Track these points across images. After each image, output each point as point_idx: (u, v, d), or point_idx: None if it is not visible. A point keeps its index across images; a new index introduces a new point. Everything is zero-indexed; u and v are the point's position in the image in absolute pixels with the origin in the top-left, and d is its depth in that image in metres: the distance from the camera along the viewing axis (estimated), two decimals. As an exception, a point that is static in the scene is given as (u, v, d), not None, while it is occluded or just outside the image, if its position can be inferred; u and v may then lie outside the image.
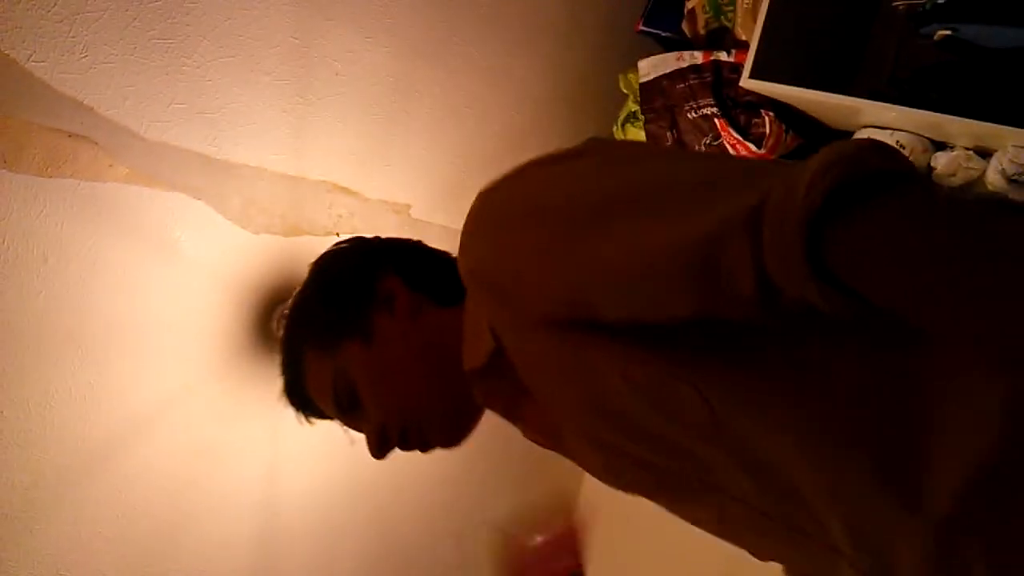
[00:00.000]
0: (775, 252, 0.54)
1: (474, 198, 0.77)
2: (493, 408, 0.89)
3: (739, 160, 0.70)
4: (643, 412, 0.69)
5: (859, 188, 0.52)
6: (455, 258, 0.87)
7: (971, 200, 0.58)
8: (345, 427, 0.97)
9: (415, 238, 1.01)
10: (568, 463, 0.87)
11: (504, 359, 0.79)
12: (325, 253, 0.99)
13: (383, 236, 1.02)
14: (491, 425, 0.92)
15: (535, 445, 0.89)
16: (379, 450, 0.91)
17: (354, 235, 1.02)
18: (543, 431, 0.86)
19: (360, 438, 0.93)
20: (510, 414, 0.88)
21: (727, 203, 0.57)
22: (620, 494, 0.83)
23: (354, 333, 0.89)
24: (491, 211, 0.76)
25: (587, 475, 0.89)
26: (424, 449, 0.93)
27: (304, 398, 0.96)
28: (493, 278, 0.76)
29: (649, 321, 0.65)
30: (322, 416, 0.98)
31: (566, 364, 0.73)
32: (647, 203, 0.65)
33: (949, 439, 0.57)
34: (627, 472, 0.79)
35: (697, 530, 0.80)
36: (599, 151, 0.75)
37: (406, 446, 0.92)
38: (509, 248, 0.73)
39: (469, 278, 0.79)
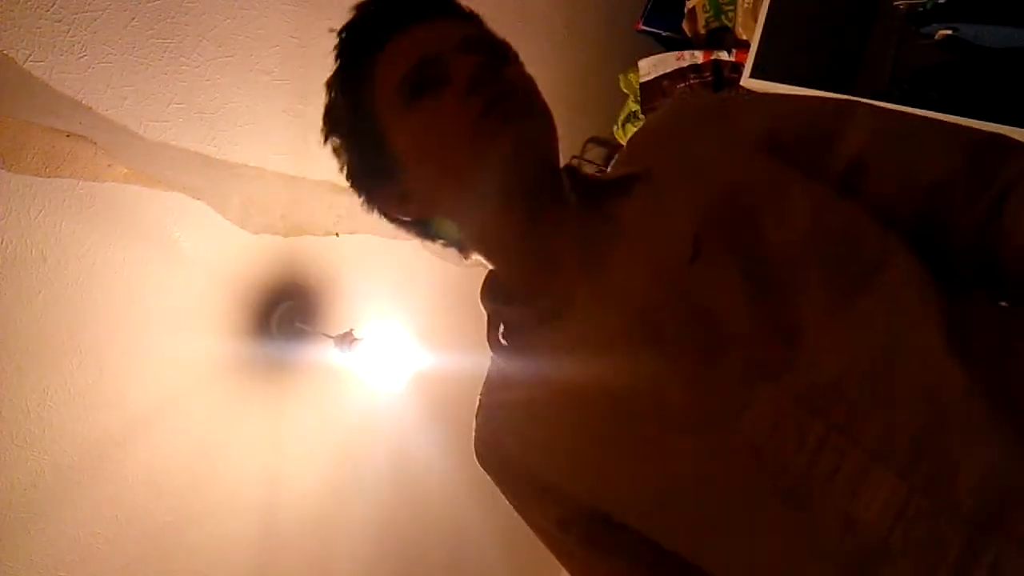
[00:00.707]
0: None
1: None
2: (567, 218, 0.79)
3: None
4: (802, 246, 0.69)
5: None
6: None
7: None
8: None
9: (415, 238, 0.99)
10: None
11: (631, 188, 0.77)
12: None
13: None
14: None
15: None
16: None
17: None
18: (578, 273, 0.78)
19: None
20: (577, 224, 0.79)
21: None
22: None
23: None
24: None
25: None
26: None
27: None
28: (755, 100, 0.84)
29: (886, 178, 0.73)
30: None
31: (754, 183, 0.73)
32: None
33: None
34: (672, 327, 0.71)
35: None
36: None
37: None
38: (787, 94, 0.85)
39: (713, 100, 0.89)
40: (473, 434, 0.87)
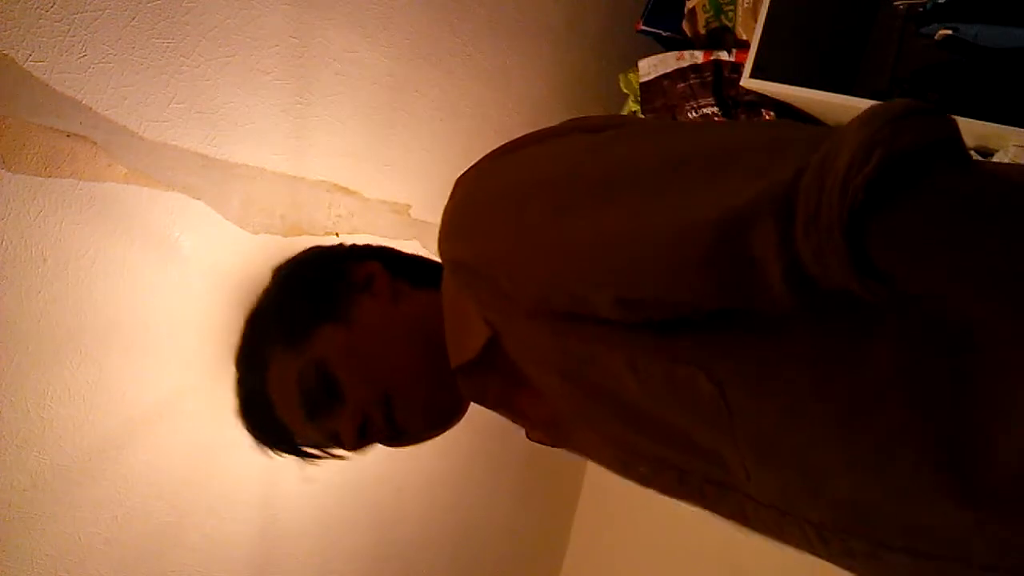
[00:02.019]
0: (811, 241, 0.51)
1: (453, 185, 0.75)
2: (483, 404, 0.84)
3: (752, 127, 0.69)
4: (652, 403, 0.65)
5: (901, 170, 0.50)
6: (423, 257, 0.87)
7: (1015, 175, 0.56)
8: (304, 448, 0.93)
9: (414, 238, 1.00)
10: (569, 467, 0.87)
11: (499, 349, 0.75)
12: (289, 259, 0.97)
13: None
14: (491, 426, 0.91)
15: (535, 446, 0.87)
16: (356, 435, 0.86)
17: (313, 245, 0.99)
18: (545, 425, 0.82)
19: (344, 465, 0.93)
20: (506, 409, 0.83)
21: (752, 179, 0.53)
22: (618, 502, 0.83)
23: (329, 317, 0.87)
24: (475, 196, 0.73)
25: (586, 481, 0.88)
26: (403, 434, 0.87)
27: (264, 413, 0.92)
28: (484, 267, 0.71)
29: (651, 313, 0.60)
30: (279, 440, 0.94)
31: (566, 356, 0.68)
32: (655, 176, 0.59)
33: (1011, 424, 0.52)
34: (642, 467, 0.74)
35: (697, 543, 0.80)
36: (583, 128, 0.71)
37: (388, 428, 0.86)
38: (498, 234, 0.68)
39: (456, 268, 0.76)
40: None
